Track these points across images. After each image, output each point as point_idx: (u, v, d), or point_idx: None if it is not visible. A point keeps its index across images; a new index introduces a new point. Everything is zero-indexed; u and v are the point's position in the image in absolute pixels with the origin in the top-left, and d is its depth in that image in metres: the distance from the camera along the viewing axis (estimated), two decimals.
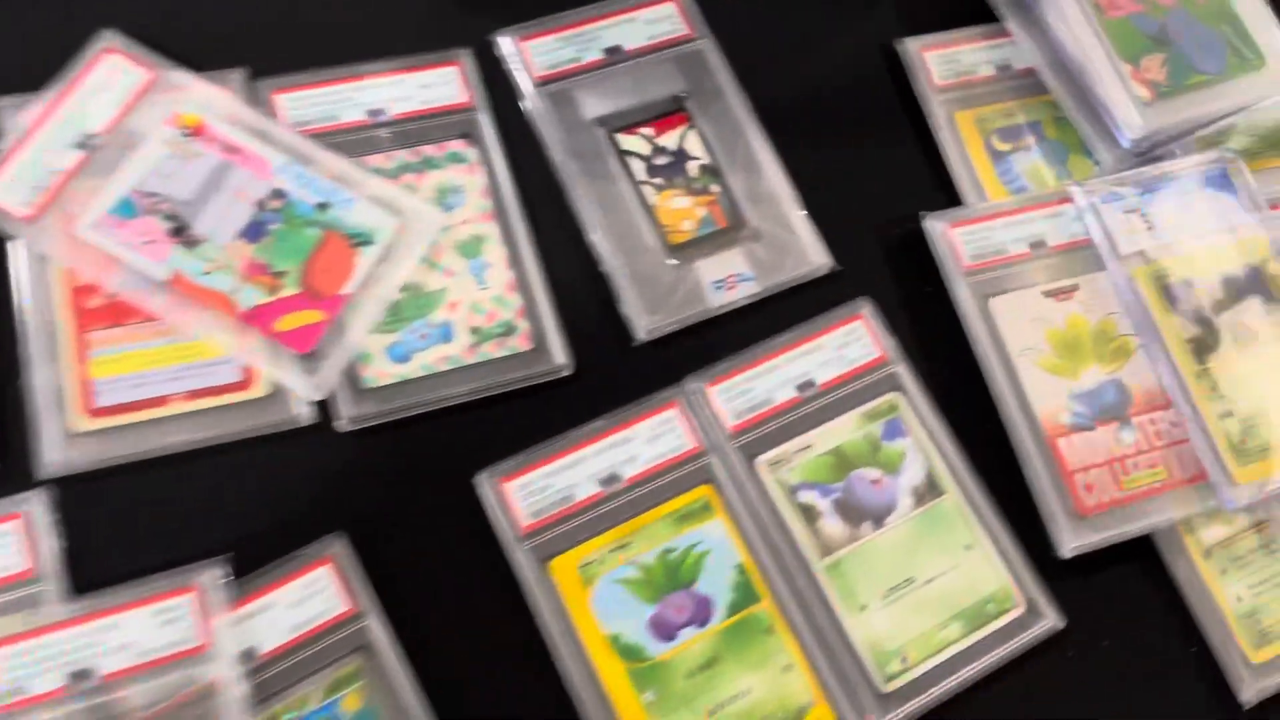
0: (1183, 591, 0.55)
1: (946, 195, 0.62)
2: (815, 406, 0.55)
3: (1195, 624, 0.55)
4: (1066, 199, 0.61)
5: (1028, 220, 0.60)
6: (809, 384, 0.56)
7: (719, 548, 0.52)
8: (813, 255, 0.59)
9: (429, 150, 0.56)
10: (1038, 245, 0.60)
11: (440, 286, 0.54)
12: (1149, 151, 0.62)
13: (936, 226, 0.59)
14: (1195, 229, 0.60)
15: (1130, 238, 0.59)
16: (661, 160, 0.59)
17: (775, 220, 0.59)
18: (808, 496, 0.53)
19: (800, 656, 0.51)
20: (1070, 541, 0.54)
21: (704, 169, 0.60)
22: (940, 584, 0.53)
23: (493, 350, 0.53)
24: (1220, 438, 0.55)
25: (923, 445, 0.55)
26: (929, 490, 0.55)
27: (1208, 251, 0.59)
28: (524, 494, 0.51)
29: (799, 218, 0.59)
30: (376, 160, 0.55)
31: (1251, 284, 0.59)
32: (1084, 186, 0.60)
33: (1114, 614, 0.55)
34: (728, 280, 0.57)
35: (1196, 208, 0.60)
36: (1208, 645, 0.54)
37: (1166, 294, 0.58)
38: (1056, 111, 0.64)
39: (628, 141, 0.59)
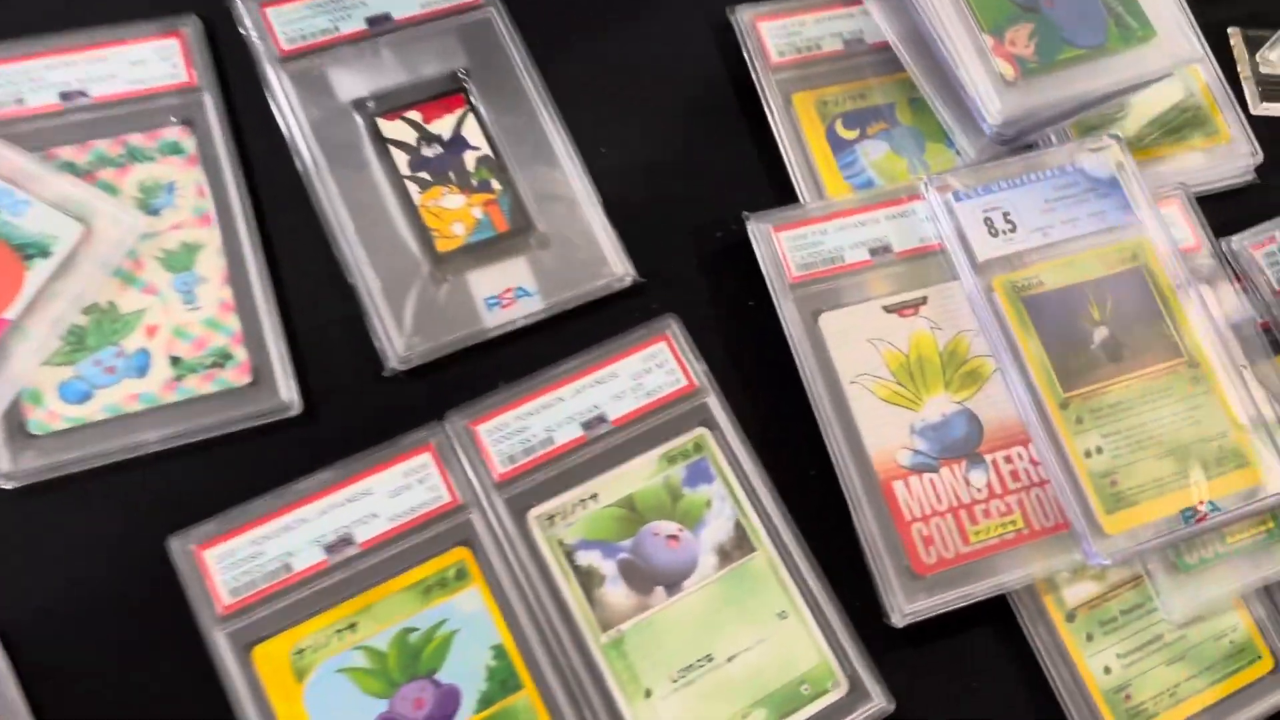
0: (1041, 663, 0.47)
1: (779, 192, 0.53)
2: (605, 447, 0.46)
3: (1056, 701, 0.46)
4: (916, 196, 0.52)
5: (870, 221, 0.51)
6: (599, 420, 0.47)
7: (473, 625, 0.43)
8: (613, 264, 0.49)
9: (137, 140, 0.47)
10: (880, 251, 0.51)
11: (137, 307, 0.44)
12: (1017, 139, 0.54)
13: (760, 229, 0.50)
14: (1067, 231, 0.52)
15: (988, 242, 0.51)
16: (431, 151, 0.50)
17: (569, 224, 0.50)
18: (588, 558, 0.45)
19: None
20: (903, 606, 0.45)
21: (484, 162, 0.50)
22: (745, 661, 0.44)
23: (200, 385, 0.44)
24: (1086, 479, 0.47)
25: (733, 492, 0.46)
26: (737, 547, 0.46)
27: (1082, 258, 0.51)
28: (226, 564, 0.41)
29: (598, 220, 0.50)
30: (66, 153, 0.46)
31: (1132, 294, 0.51)
32: (935, 181, 0.51)
33: (957, 691, 0.46)
34: (504, 296, 0.48)
35: (1069, 206, 0.52)
36: None
37: (1029, 309, 0.50)
38: (913, 92, 0.55)
39: (391, 128, 0.50)
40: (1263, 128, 0.59)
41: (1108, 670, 0.46)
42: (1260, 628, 0.48)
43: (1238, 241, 0.54)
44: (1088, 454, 0.47)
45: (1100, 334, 0.49)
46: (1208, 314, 0.50)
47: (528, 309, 0.48)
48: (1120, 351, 0.49)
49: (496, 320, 0.47)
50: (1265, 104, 0.60)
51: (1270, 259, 0.54)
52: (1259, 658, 0.48)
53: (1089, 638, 0.47)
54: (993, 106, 0.51)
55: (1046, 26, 0.53)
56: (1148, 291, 0.51)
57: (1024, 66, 0.52)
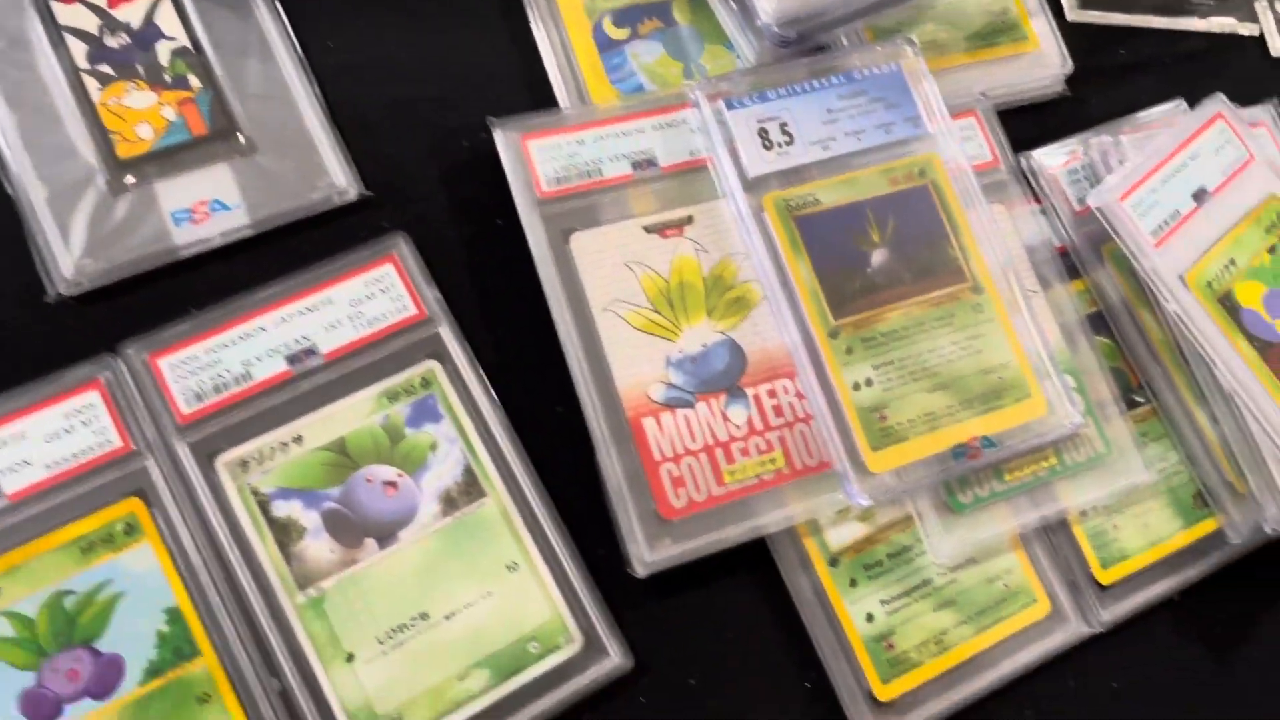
0: (801, 611, 0.44)
1: (538, 98, 0.47)
2: (314, 384, 0.40)
3: (814, 651, 0.43)
4: (688, 104, 0.47)
5: (634, 131, 0.46)
6: (308, 353, 0.41)
7: (142, 586, 0.37)
8: (334, 175, 0.43)
9: None
10: (644, 165, 0.46)
11: None
12: (801, 41, 0.48)
13: (508, 138, 0.45)
14: (850, 144, 0.47)
15: (762, 156, 0.46)
16: (116, 41, 0.43)
17: (283, 128, 0.43)
18: (287, 508, 0.39)
19: None
20: (646, 555, 0.41)
21: (180, 54, 0.43)
22: (466, 619, 0.40)
23: None
24: (852, 413, 0.44)
25: (463, 432, 0.42)
26: (465, 493, 0.41)
27: (865, 174, 0.47)
28: None
29: (319, 124, 0.44)
30: None
31: (917, 214, 0.47)
32: (706, 86, 0.46)
33: (708, 644, 0.43)
34: (197, 209, 0.42)
35: (854, 117, 0.47)
36: (827, 678, 0.43)
37: (802, 229, 0.45)
38: None
39: (68, 13, 0.43)
40: (1078, 36, 0.55)
41: (870, 618, 0.43)
42: (1038, 570, 0.46)
43: (1037, 157, 0.50)
44: (856, 386, 0.43)
45: (879, 257, 0.45)
46: (998, 236, 0.47)
47: (227, 225, 0.42)
48: (899, 276, 0.45)
49: (188, 238, 0.41)
50: (1083, 10, 0.56)
51: (1071, 177, 0.51)
52: (1034, 601, 0.46)
53: (852, 583, 0.44)
54: (768, 4, 0.46)
55: None
56: (934, 211, 0.46)
57: None
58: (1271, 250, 0.49)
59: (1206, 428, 0.48)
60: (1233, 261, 0.49)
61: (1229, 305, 0.48)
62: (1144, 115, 0.53)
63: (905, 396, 0.44)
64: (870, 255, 0.45)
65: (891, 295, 0.45)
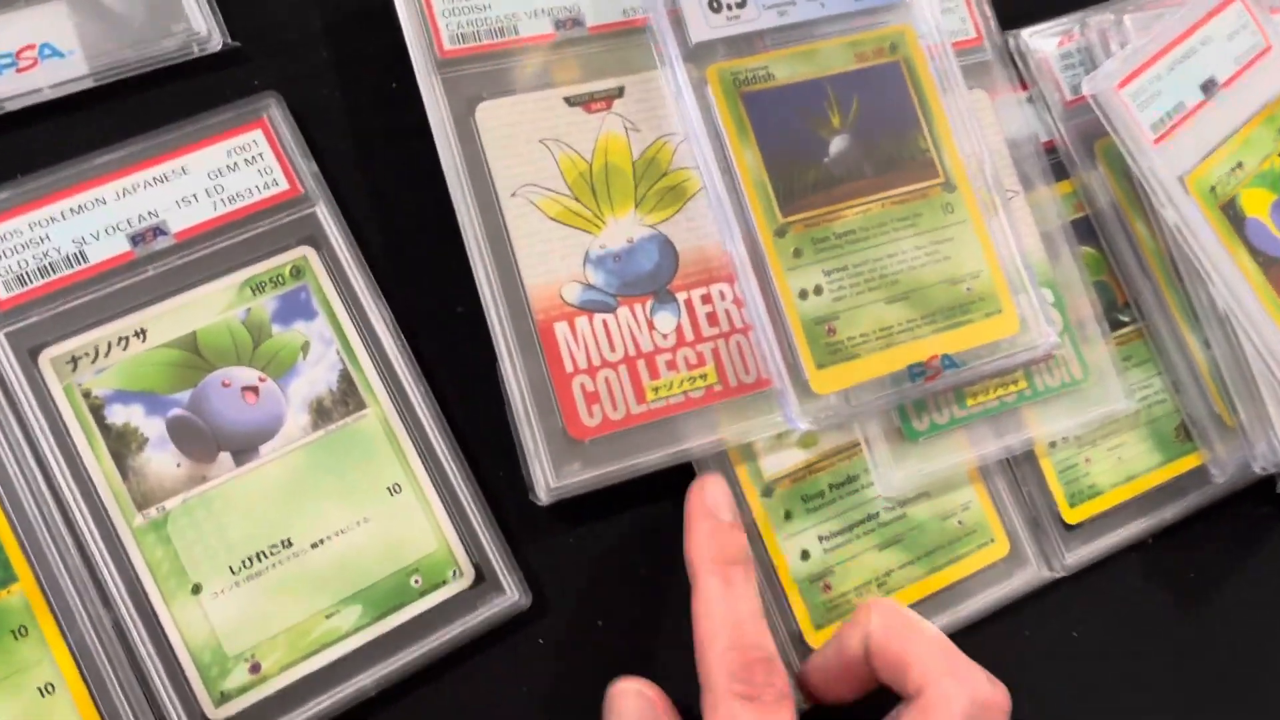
0: None
1: None
2: (161, 269, 0.34)
3: None
4: None
5: None
6: (155, 231, 0.34)
7: None
8: (193, 19, 0.36)
9: None
10: (569, 24, 0.39)
11: None
12: None
13: None
14: (811, 10, 0.40)
15: (708, 19, 0.39)
16: None
17: None
18: (126, 414, 0.33)
19: (74, 670, 0.32)
20: (551, 480, 0.35)
21: None
22: (336, 548, 0.34)
23: None
24: (797, 325, 0.38)
25: (341, 332, 0.35)
26: (342, 403, 0.35)
27: (827, 46, 0.40)
28: None
29: None
30: None
31: (885, 96, 0.40)
32: None
33: (616, 582, 0.37)
34: (23, 55, 0.35)
35: None
36: None
37: (751, 108, 0.39)
38: None
39: None
40: None
41: (805, 555, 0.38)
42: (998, 506, 0.41)
43: (1026, 37, 0.44)
44: (803, 295, 0.37)
45: (838, 144, 0.39)
46: (977, 126, 0.41)
47: (60, 75, 0.34)
48: (860, 168, 0.39)
49: (10, 89, 0.34)
50: None
51: (1065, 61, 0.44)
52: (991, 541, 0.41)
53: (787, 516, 0.39)
54: None
55: None
56: (905, 93, 0.40)
57: None
58: None
59: (1197, 352, 0.42)
60: (1240, 164, 0.42)
61: (1232, 214, 0.42)
62: None
63: (859, 307, 0.38)
64: (829, 142, 0.39)
65: (850, 190, 0.38)
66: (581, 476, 0.36)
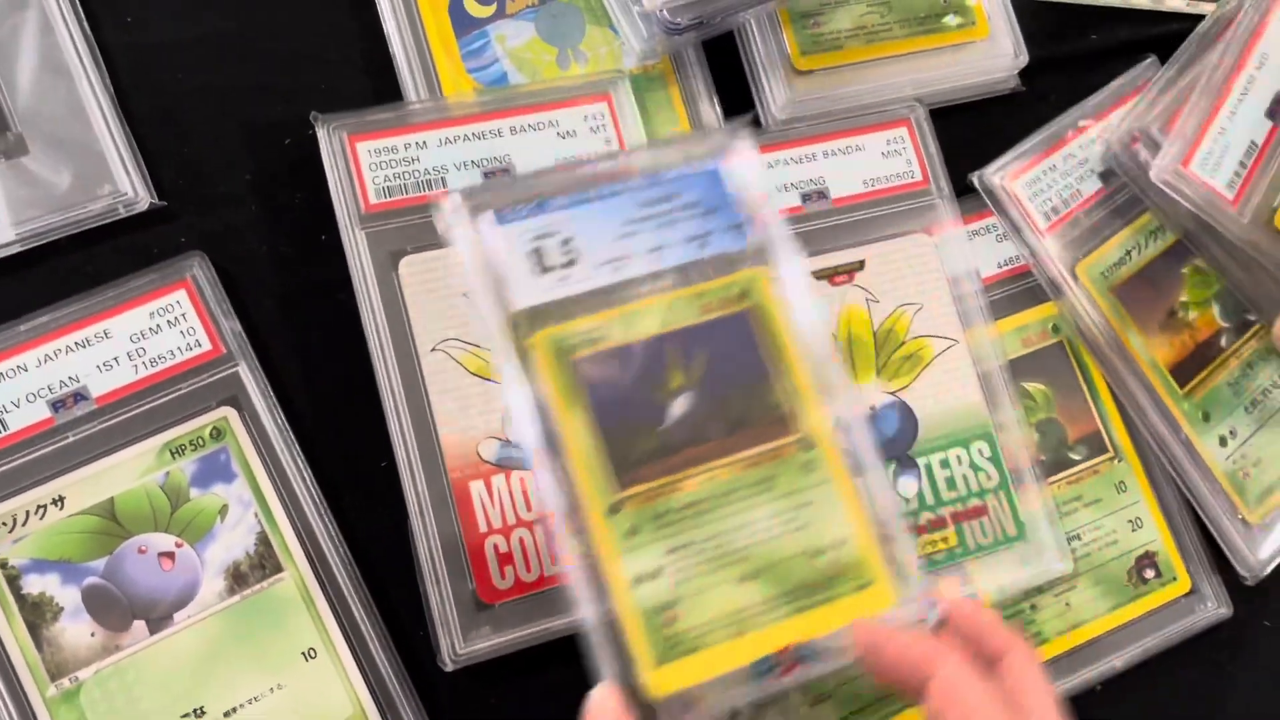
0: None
1: (378, 86, 0.40)
2: (82, 435, 0.34)
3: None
4: (570, 100, 0.39)
5: (489, 134, 0.38)
6: (76, 398, 0.35)
7: None
8: (120, 180, 0.36)
9: None
10: (499, 175, 0.39)
11: None
12: (698, 27, 0.41)
13: (333, 138, 0.38)
14: (649, 263, 0.34)
15: (534, 283, 0.33)
16: None
17: (60, 120, 0.36)
18: (42, 584, 0.33)
19: None
20: (457, 645, 0.35)
21: None
22: (252, 715, 0.34)
23: None
24: (632, 616, 0.33)
25: (260, 495, 0.35)
26: (259, 566, 0.35)
27: (668, 300, 0.34)
28: None
29: (105, 117, 0.37)
30: None
31: (734, 349, 0.35)
32: (463, 198, 0.33)
33: None
34: None
35: (659, 229, 0.34)
36: None
37: (581, 375, 0.33)
38: None
39: None
40: (1037, 21, 0.47)
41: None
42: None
43: (994, 174, 0.43)
44: (638, 580, 0.32)
45: (680, 406, 0.34)
46: (839, 371, 0.35)
47: None
48: (705, 430, 0.34)
49: None
50: None
51: (1033, 188, 0.43)
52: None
53: None
54: None
55: None
56: (754, 345, 0.35)
57: None
58: None
59: (1215, 460, 0.42)
60: None
61: None
62: (1108, 90, 0.46)
63: (706, 590, 0.33)
64: (669, 405, 0.34)
65: (695, 455, 0.33)
66: (491, 642, 0.35)
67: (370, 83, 0.40)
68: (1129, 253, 0.44)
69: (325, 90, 0.39)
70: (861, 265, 0.41)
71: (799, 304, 0.35)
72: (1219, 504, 0.42)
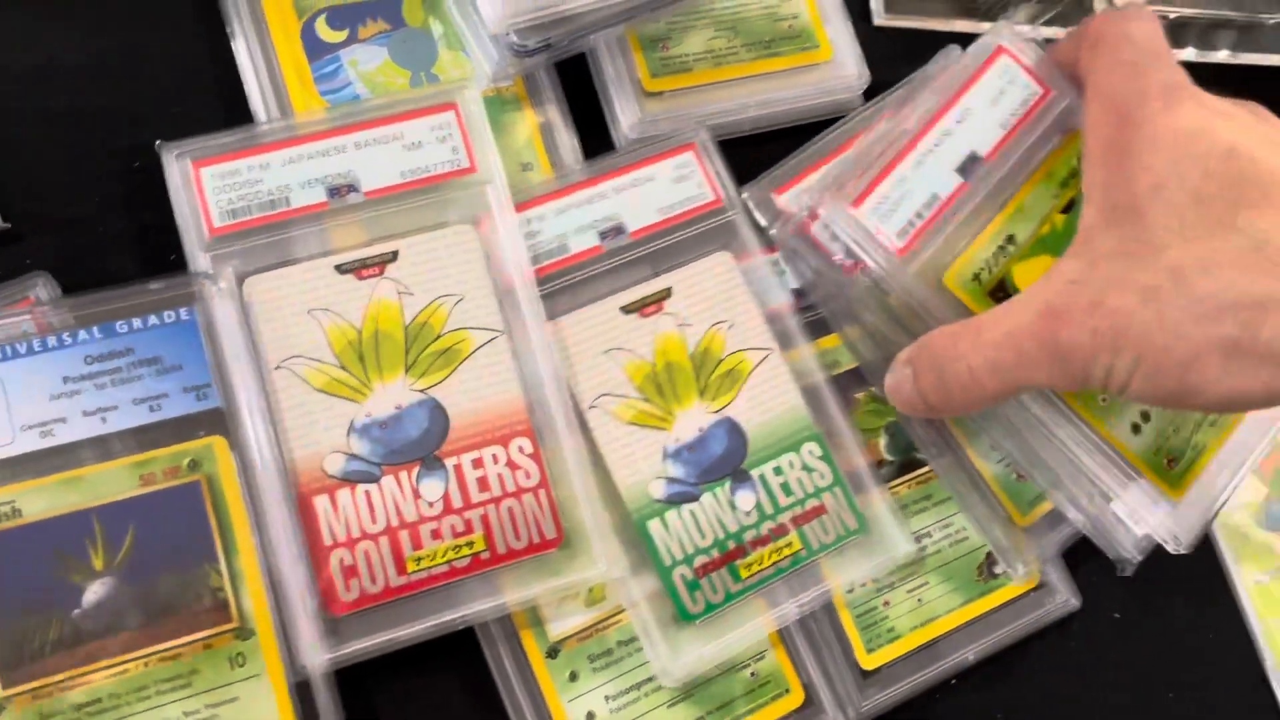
0: (510, 714, 0.38)
1: (231, 110, 0.41)
2: None
3: None
4: (401, 115, 0.40)
5: (333, 151, 0.39)
6: None
7: None
8: None
9: None
10: (344, 190, 0.39)
11: None
12: (552, 50, 0.42)
13: (178, 164, 0.38)
14: (86, 428, 0.33)
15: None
16: None
17: None
18: None
19: None
20: (310, 656, 0.35)
21: None
22: None
23: None
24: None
25: None
26: None
27: (103, 471, 0.33)
28: None
29: None
30: None
31: (175, 524, 0.33)
32: None
33: None
34: None
35: (108, 388, 0.33)
36: None
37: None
38: None
39: None
40: (884, 45, 0.50)
41: (591, 717, 0.38)
42: (793, 655, 0.41)
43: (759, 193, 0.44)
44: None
45: (98, 591, 0.32)
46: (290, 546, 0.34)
47: None
48: (123, 618, 0.32)
49: None
50: (892, 15, 0.50)
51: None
52: (786, 692, 0.41)
53: (573, 677, 0.39)
54: (494, 7, 0.40)
55: None
56: (201, 521, 0.34)
57: None
58: (1067, 208, 0.41)
59: (983, 466, 0.43)
60: (1010, 238, 0.41)
61: (1002, 297, 0.39)
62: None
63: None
64: (83, 589, 0.32)
65: (108, 647, 0.31)
66: (340, 652, 0.35)
67: (223, 108, 0.41)
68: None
69: (180, 115, 0.40)
70: (669, 292, 0.42)
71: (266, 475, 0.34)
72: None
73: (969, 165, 0.41)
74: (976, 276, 0.40)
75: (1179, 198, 0.33)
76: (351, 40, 0.42)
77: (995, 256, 0.40)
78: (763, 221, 0.44)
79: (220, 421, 0.35)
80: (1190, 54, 0.55)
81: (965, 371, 0.36)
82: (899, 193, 0.40)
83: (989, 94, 0.41)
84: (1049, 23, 0.53)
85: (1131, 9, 0.38)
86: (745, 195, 0.45)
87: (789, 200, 0.43)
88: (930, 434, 0.43)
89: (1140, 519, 0.39)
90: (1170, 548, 0.39)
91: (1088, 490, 0.40)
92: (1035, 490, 0.43)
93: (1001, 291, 0.40)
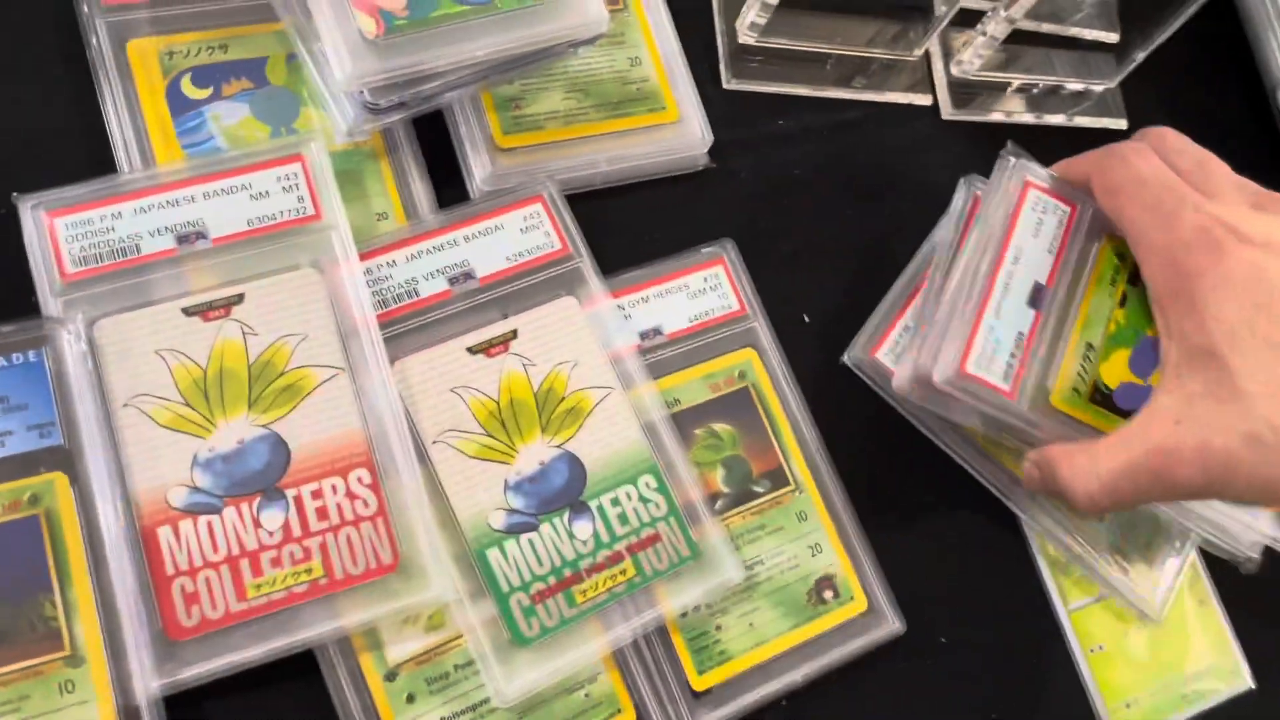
0: None
1: (95, 164, 0.42)
2: None
3: None
4: (249, 166, 0.42)
5: (183, 200, 0.41)
6: None
7: None
8: None
9: None
10: (192, 238, 0.41)
11: None
12: (405, 108, 0.45)
13: (34, 215, 0.40)
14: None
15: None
16: None
17: None
18: None
19: None
20: (151, 680, 0.36)
21: None
22: None
23: None
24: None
25: None
26: None
27: None
28: None
29: None
30: None
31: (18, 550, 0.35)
32: None
33: None
34: None
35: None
36: None
37: None
38: (293, 46, 0.46)
39: None
40: (730, 106, 0.53)
41: None
42: (626, 678, 0.43)
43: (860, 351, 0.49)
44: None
45: None
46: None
47: None
48: None
49: None
50: (739, 80, 0.54)
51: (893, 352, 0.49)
52: (619, 711, 0.42)
53: (410, 699, 0.40)
54: (345, 68, 0.42)
55: None
56: (39, 551, 0.35)
57: (390, 22, 0.43)
58: (1122, 302, 0.47)
59: None
60: (1090, 346, 0.46)
61: (1100, 398, 0.46)
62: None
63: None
64: None
65: None
66: (180, 676, 0.37)
67: (89, 162, 0.43)
68: None
69: (44, 165, 0.42)
70: (515, 334, 0.44)
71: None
72: None
73: (1037, 296, 0.46)
74: (1075, 390, 0.45)
75: (1253, 344, 0.40)
76: (215, 97, 0.45)
77: (1084, 367, 0.46)
78: (871, 382, 0.50)
79: (64, 458, 0.37)
80: (1029, 118, 0.60)
81: (1084, 495, 0.42)
82: (991, 342, 0.45)
83: (1031, 227, 0.47)
84: (898, 87, 0.57)
85: (1128, 148, 0.45)
86: (846, 358, 0.50)
87: (901, 379, 0.47)
88: None
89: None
90: None
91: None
92: None
93: (1099, 394, 0.46)
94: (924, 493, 0.51)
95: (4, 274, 0.41)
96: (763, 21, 0.53)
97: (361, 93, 0.43)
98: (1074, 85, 0.62)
